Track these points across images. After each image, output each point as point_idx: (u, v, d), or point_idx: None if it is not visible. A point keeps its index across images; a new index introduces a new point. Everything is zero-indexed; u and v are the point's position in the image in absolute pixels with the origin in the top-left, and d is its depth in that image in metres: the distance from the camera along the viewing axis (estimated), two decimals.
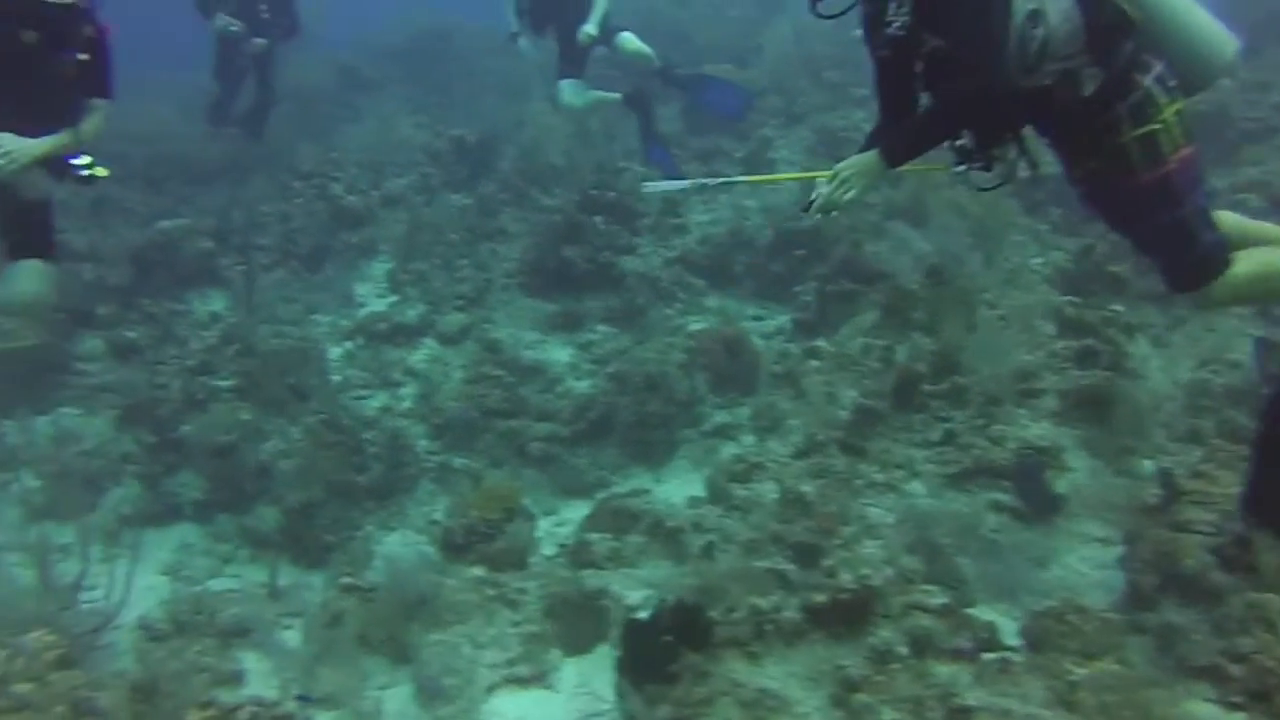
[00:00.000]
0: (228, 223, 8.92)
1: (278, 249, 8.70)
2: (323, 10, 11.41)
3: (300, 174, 9.39)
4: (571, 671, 4.60)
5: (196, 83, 10.83)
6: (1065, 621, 3.61)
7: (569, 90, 8.77)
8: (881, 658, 3.40)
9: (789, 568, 3.91)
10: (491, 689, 4.47)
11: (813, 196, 3.70)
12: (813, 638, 3.58)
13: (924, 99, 3.65)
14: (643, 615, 4.18)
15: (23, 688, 3.35)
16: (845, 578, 3.58)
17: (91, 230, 8.43)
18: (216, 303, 8.25)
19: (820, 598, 3.58)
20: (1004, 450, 5.10)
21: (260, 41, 9.27)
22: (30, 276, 5.24)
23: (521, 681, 4.54)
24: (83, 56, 5.00)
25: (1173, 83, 3.39)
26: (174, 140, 10.35)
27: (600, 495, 5.97)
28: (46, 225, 5.39)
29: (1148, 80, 3.34)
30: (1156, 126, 3.33)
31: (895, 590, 3.60)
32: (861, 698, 3.29)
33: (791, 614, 3.63)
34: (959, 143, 3.60)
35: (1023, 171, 3.66)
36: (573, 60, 8.78)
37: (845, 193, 3.56)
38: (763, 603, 3.63)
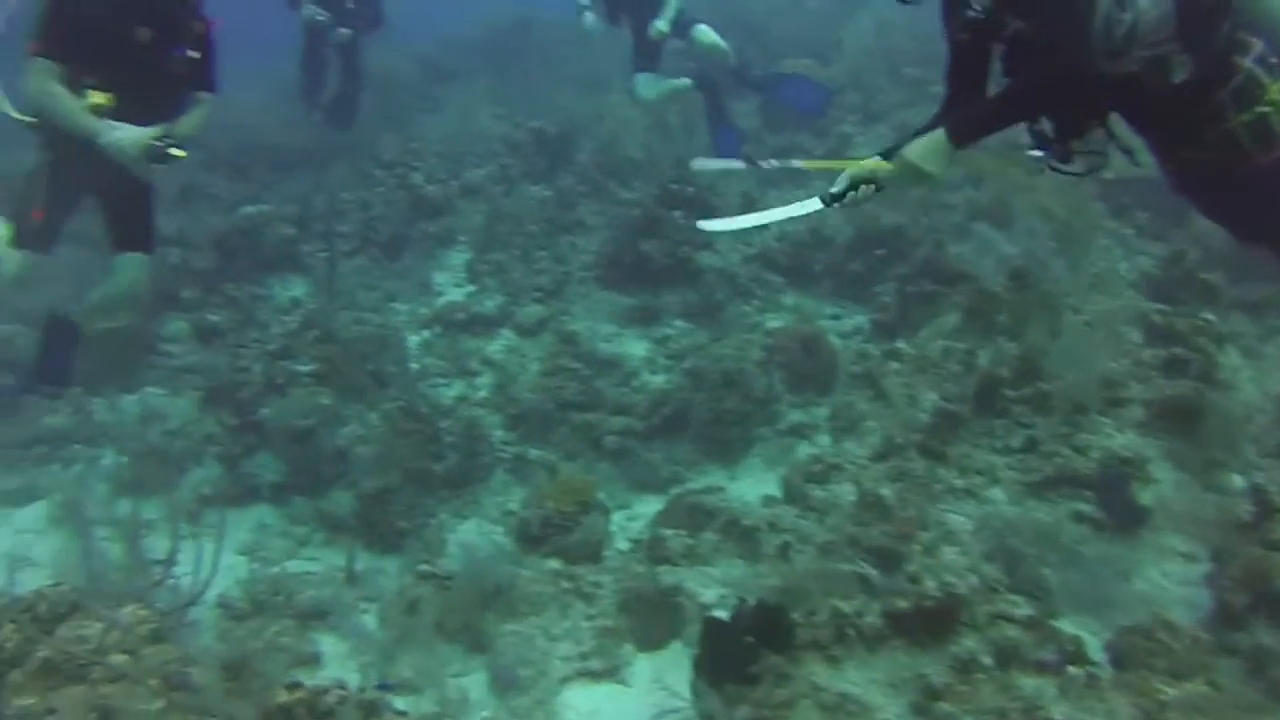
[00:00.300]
0: (309, 209, 9.04)
1: (358, 236, 8.81)
2: (404, 3, 11.52)
3: (381, 163, 9.50)
4: (645, 667, 4.62)
5: (281, 71, 11.02)
6: (1154, 639, 3.54)
7: (644, 83, 8.73)
8: (965, 667, 3.35)
9: (871, 572, 3.87)
10: (564, 681, 4.51)
11: (836, 189, 3.45)
12: (894, 644, 3.55)
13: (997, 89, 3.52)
14: (721, 614, 4.19)
15: (119, 659, 3.43)
16: (929, 584, 3.54)
17: (178, 215, 8.59)
18: (297, 288, 8.37)
19: (903, 604, 3.55)
20: (1088, 460, 5.00)
21: (345, 32, 9.40)
22: (133, 269, 5.51)
23: (594, 675, 4.57)
24: (192, 53, 5.18)
25: (1274, 60, 3.16)
26: (258, 128, 10.52)
27: (674, 491, 5.98)
28: (149, 216, 5.63)
29: (1248, 62, 3.12)
30: (1265, 109, 3.11)
31: (980, 599, 3.55)
32: (944, 707, 3.25)
33: (873, 619, 3.60)
34: (1037, 127, 3.43)
35: (1106, 173, 3.56)
36: (647, 53, 8.72)
37: (918, 180, 3.37)
38: (845, 606, 3.60)
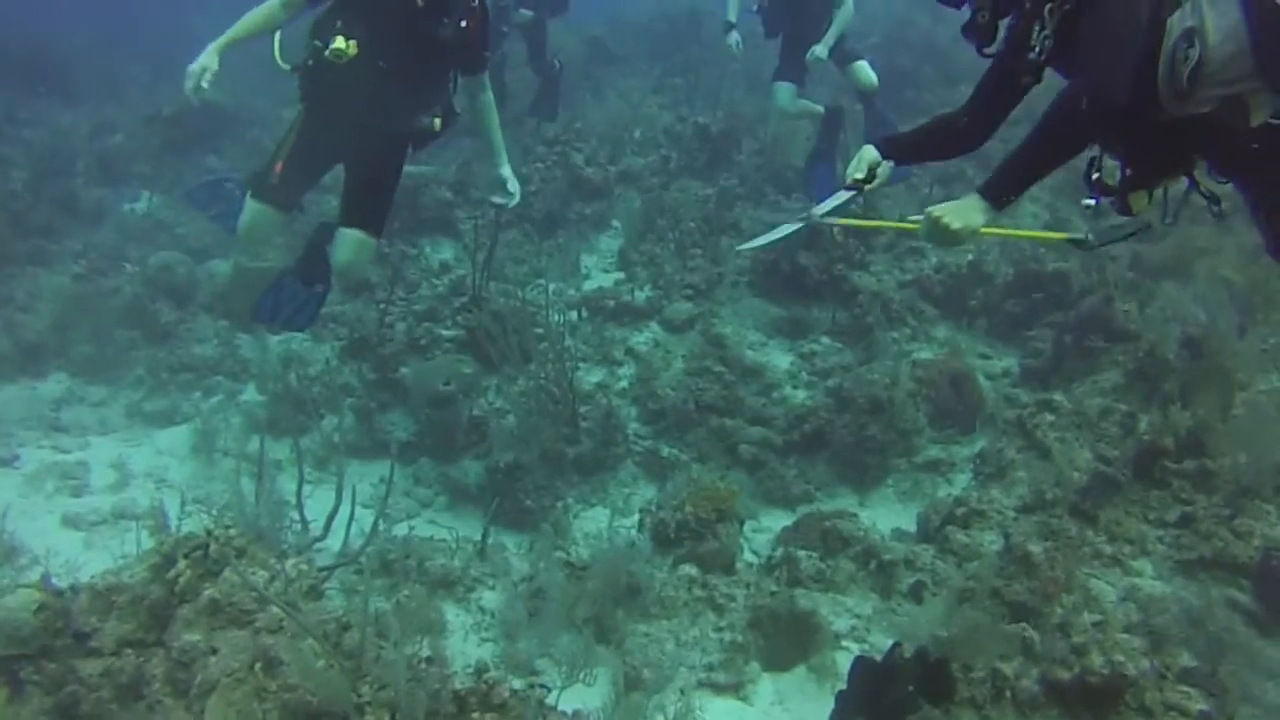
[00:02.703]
0: (468, 176, 9.13)
1: (513, 210, 8.81)
2: None
3: (544, 139, 9.54)
4: (769, 687, 4.58)
5: None
6: None
7: (784, 93, 8.38)
8: None
9: (1033, 635, 3.77)
10: (689, 690, 4.48)
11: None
12: (1049, 713, 3.45)
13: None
14: (858, 650, 4.13)
15: (278, 613, 3.49)
16: (1096, 659, 3.43)
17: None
18: (447, 251, 8.47)
19: (1064, 674, 3.44)
20: (1248, 546, 4.81)
21: (526, 13, 9.22)
22: (350, 248, 5.33)
23: (717, 688, 4.54)
24: (464, 23, 4.95)
25: None
26: None
27: (802, 509, 5.92)
28: (385, 199, 5.47)
29: None
30: None
31: (1151, 684, 3.42)
32: None
33: (1029, 684, 3.51)
34: (1096, 173, 3.20)
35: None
36: (795, 66, 8.35)
37: (946, 240, 3.36)
38: (1005, 667, 3.51)
